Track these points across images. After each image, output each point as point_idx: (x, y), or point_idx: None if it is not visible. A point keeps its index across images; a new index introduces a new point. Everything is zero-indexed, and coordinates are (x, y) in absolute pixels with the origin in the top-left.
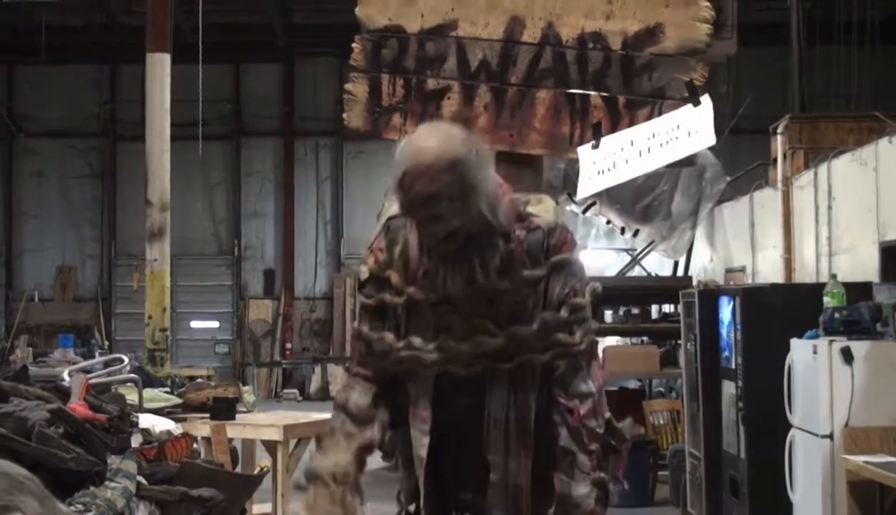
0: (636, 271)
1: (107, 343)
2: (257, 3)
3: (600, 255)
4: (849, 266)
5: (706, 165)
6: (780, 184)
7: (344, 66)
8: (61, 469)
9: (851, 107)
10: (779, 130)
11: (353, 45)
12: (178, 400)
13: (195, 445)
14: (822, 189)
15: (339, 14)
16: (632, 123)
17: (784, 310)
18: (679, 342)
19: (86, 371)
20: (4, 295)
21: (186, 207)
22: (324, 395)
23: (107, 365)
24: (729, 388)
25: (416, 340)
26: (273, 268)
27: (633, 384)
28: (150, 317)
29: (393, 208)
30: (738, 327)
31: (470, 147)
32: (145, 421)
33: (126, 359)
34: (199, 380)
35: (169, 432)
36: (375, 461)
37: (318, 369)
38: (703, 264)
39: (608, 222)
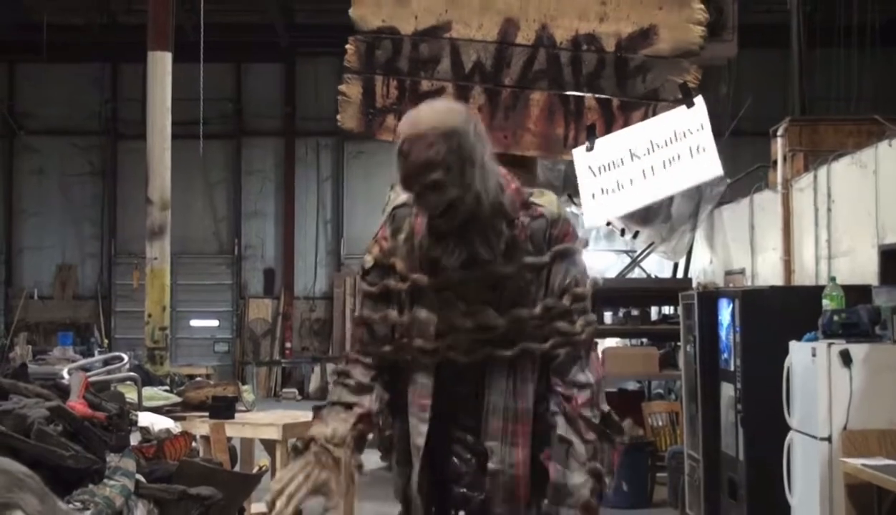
0: (636, 273)
1: (106, 341)
2: (259, 2)
3: (600, 257)
4: (848, 269)
5: None
6: (779, 187)
7: None
8: (60, 466)
9: (851, 110)
10: (779, 133)
11: (347, 46)
12: (177, 399)
13: (194, 444)
14: (822, 192)
15: (341, 14)
16: (626, 125)
17: (783, 313)
18: (678, 344)
19: (85, 369)
20: (4, 292)
21: (187, 206)
22: (323, 395)
23: (106, 363)
24: (728, 390)
25: (423, 313)
26: (273, 268)
27: (632, 385)
28: (149, 316)
29: (399, 198)
30: (738, 329)
31: (469, 121)
32: (144, 419)
33: (125, 358)
34: (199, 379)
35: (168, 430)
36: (375, 461)
37: (317, 368)
38: (703, 266)
39: (608, 224)
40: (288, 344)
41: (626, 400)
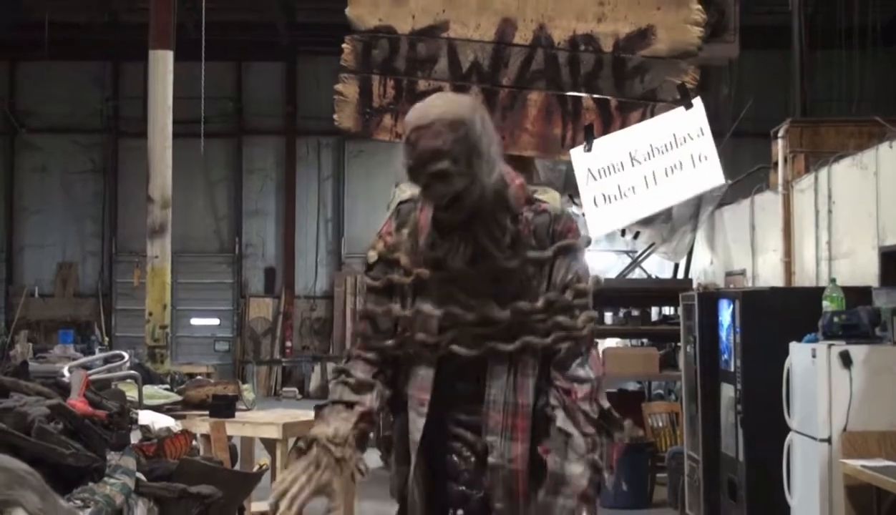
0: (636, 273)
1: (107, 339)
2: (260, 1)
3: (601, 257)
4: (848, 270)
5: None
6: (780, 188)
7: None
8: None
9: (853, 112)
10: (780, 134)
11: (343, 45)
12: (177, 397)
13: (194, 442)
14: (823, 193)
15: (342, 13)
16: (623, 125)
17: (783, 314)
18: (678, 344)
19: (86, 367)
20: (5, 290)
21: (188, 204)
22: (323, 394)
23: (107, 361)
24: (728, 391)
25: (426, 306)
26: (274, 267)
27: (632, 386)
28: (150, 314)
29: (404, 194)
30: (738, 330)
31: (476, 112)
32: (145, 417)
33: (126, 356)
34: (199, 378)
35: (168, 429)
36: (374, 460)
37: (317, 368)
38: (704, 267)
39: None
40: (288, 343)
41: (626, 400)
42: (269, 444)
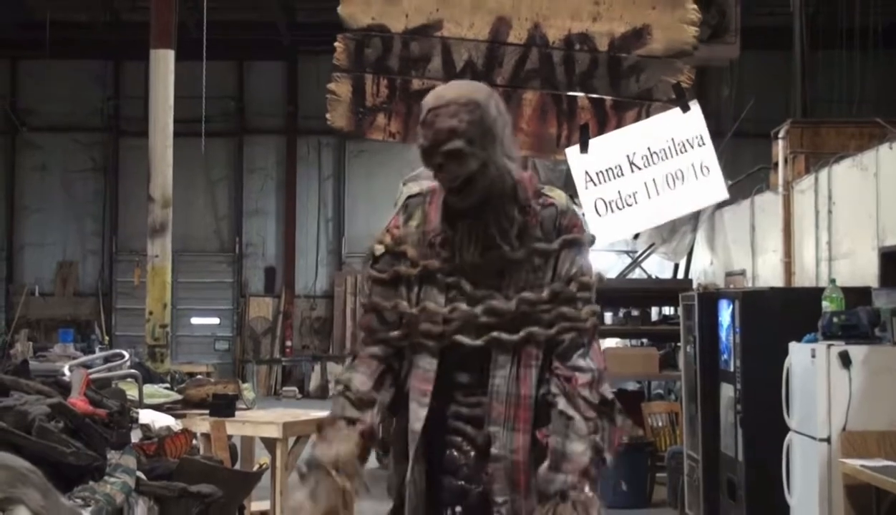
0: (636, 273)
1: (107, 338)
2: (261, 0)
3: (601, 257)
4: (848, 271)
5: None
6: (780, 189)
7: None
8: (61, 463)
9: (853, 113)
10: (780, 135)
11: (336, 43)
12: (177, 397)
13: (194, 441)
14: (823, 194)
15: None
16: (619, 125)
17: (783, 314)
18: (678, 344)
19: (86, 366)
20: (5, 289)
21: (188, 204)
22: (323, 393)
23: (107, 360)
24: (727, 391)
25: (431, 304)
26: (274, 266)
27: (632, 386)
28: (150, 313)
29: (412, 189)
30: (738, 330)
31: (491, 97)
32: (145, 416)
33: (126, 355)
34: (199, 377)
35: (169, 428)
36: (372, 461)
37: (317, 367)
38: (704, 267)
39: None
40: (288, 343)
41: (625, 400)
42: (270, 443)
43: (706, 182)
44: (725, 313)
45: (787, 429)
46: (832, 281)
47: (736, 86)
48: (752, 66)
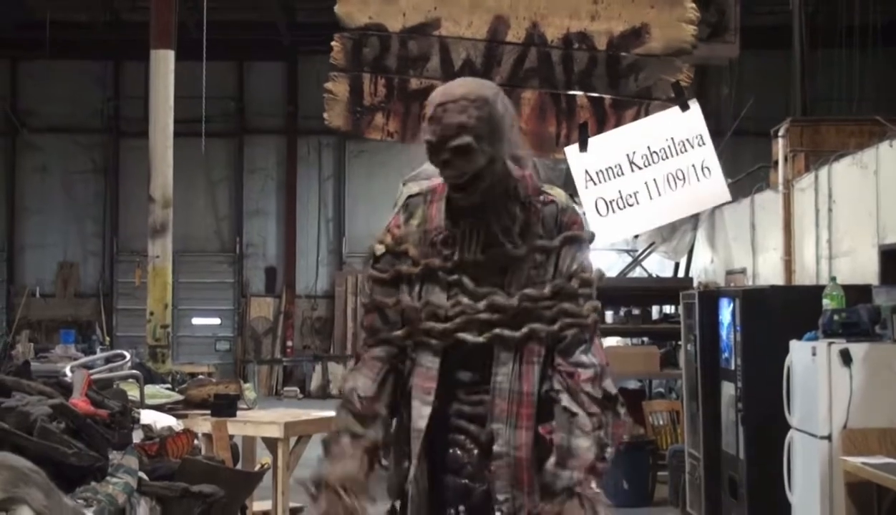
0: (637, 272)
1: (108, 339)
2: (261, 0)
3: (601, 256)
4: (848, 268)
5: None
6: (780, 187)
7: None
8: (63, 464)
9: (853, 111)
10: (780, 133)
11: (333, 43)
12: (179, 397)
13: (196, 441)
14: (823, 192)
15: None
16: (618, 124)
17: (784, 312)
18: (679, 343)
19: (87, 366)
20: (6, 290)
21: (189, 204)
22: (324, 393)
23: (108, 361)
24: (728, 389)
25: (433, 299)
26: (275, 266)
27: (633, 384)
28: (151, 314)
29: (412, 189)
30: (738, 328)
31: (498, 94)
32: (147, 417)
33: (128, 356)
34: (201, 377)
35: (170, 428)
36: None
37: (318, 367)
38: (704, 265)
39: None
40: (289, 343)
41: (626, 398)
42: (271, 443)
43: (708, 184)
44: (726, 311)
45: (788, 427)
46: (832, 278)
47: (736, 85)
48: (752, 65)
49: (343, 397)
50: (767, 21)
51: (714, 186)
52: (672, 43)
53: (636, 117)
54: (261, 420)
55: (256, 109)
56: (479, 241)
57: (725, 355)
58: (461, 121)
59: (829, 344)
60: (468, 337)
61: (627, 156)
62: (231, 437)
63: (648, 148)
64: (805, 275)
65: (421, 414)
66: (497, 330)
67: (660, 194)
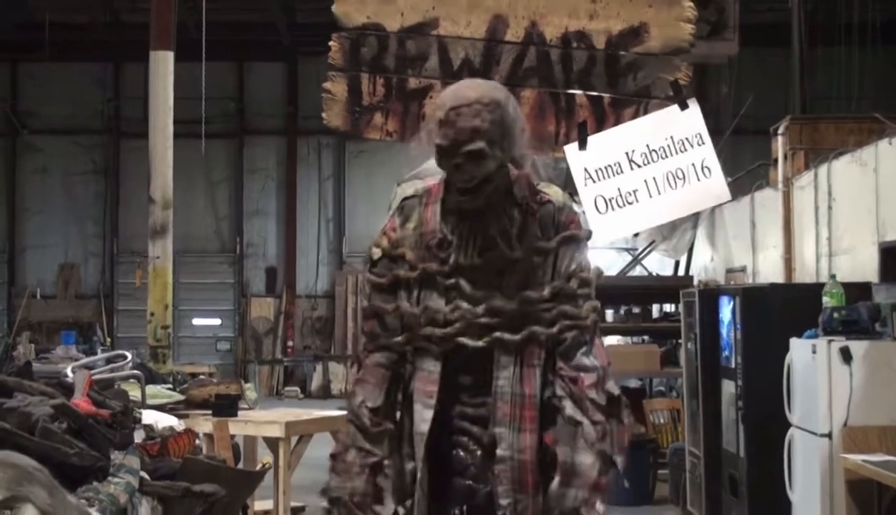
0: (637, 270)
1: (108, 339)
2: (260, 1)
3: (601, 254)
4: (848, 266)
5: None
6: (780, 185)
7: None
8: (65, 464)
9: (852, 109)
10: (779, 131)
11: (330, 42)
12: (180, 397)
13: (197, 441)
14: (823, 190)
15: None
16: (617, 122)
17: (784, 310)
18: (679, 341)
19: (89, 367)
20: (7, 291)
21: (189, 205)
22: (325, 393)
23: (109, 361)
24: (729, 387)
25: (432, 304)
26: (275, 266)
27: (633, 383)
28: (152, 314)
29: (406, 191)
30: (738, 326)
31: (509, 97)
32: (148, 417)
33: (129, 356)
34: (202, 377)
35: (171, 428)
36: None
37: (319, 367)
38: (704, 264)
39: None
40: (290, 343)
41: (627, 397)
42: (272, 443)
43: (708, 183)
44: (726, 309)
45: (788, 425)
46: (832, 276)
47: (735, 83)
48: (751, 63)
49: (351, 411)
50: (766, 19)
51: (714, 186)
52: (670, 42)
53: (635, 116)
54: (262, 419)
55: (256, 110)
56: (476, 245)
57: (726, 353)
58: (475, 126)
59: (830, 341)
60: (468, 341)
61: (627, 154)
62: (232, 437)
63: (647, 146)
64: (805, 273)
65: (423, 417)
66: (497, 334)
67: (659, 193)
